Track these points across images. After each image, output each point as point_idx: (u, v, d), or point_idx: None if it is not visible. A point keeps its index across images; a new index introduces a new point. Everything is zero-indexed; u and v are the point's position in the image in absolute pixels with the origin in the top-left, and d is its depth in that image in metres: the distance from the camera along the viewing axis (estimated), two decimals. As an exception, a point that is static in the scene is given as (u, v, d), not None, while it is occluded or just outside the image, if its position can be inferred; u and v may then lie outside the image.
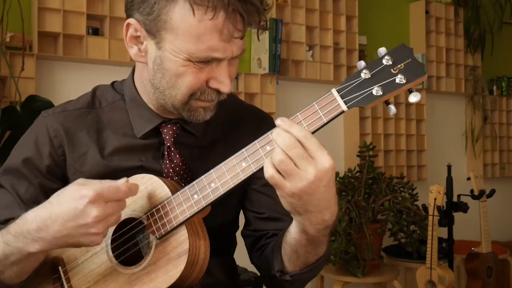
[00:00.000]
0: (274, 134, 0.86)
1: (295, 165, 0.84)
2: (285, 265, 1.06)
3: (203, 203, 0.95)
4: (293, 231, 0.98)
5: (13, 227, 0.97)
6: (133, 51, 1.04)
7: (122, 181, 0.93)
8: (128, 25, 1.02)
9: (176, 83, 1.01)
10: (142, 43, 1.02)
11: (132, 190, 0.94)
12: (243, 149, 0.92)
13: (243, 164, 0.91)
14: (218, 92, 1.03)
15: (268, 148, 0.90)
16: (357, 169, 3.10)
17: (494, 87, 4.54)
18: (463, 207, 2.82)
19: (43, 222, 0.92)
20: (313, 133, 0.90)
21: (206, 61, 0.98)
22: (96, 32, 2.65)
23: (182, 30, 0.94)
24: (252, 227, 1.21)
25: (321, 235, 0.96)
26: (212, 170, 0.94)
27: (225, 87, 1.01)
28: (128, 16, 1.03)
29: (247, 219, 1.24)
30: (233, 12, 0.93)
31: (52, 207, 0.93)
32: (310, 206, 0.88)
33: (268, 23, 1.01)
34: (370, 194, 3.04)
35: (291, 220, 1.00)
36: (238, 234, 1.29)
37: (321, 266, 1.07)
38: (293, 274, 1.05)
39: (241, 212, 1.26)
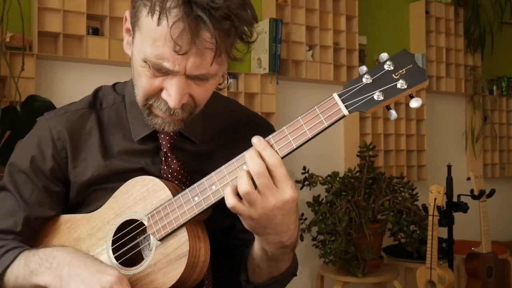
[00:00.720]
0: (247, 156, 0.90)
1: (259, 192, 0.89)
2: (250, 276, 1.10)
3: (204, 205, 0.95)
4: (255, 247, 1.04)
5: (45, 251, 1.00)
6: (124, 41, 1.07)
7: None
8: (125, 17, 1.05)
9: (136, 81, 1.02)
10: (130, 36, 1.04)
11: None
12: (244, 152, 0.92)
13: (245, 167, 0.91)
14: (168, 106, 0.99)
15: None
16: (357, 169, 3.10)
17: (494, 87, 4.54)
18: (463, 207, 2.82)
19: (69, 260, 0.96)
20: (314, 137, 0.90)
21: (158, 69, 0.95)
22: (96, 32, 2.65)
23: (144, 30, 0.95)
24: (234, 234, 1.20)
25: (280, 253, 1.00)
26: (213, 173, 0.95)
27: (172, 101, 0.97)
28: None
29: (233, 225, 1.21)
30: (187, 27, 0.89)
31: (85, 260, 0.96)
32: (268, 229, 0.93)
33: (231, 50, 0.96)
34: (370, 194, 3.04)
35: None
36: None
37: (286, 280, 1.11)
38: (257, 285, 1.10)
39: None
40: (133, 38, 1.00)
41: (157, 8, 0.90)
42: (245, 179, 0.89)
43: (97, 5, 2.67)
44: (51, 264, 0.96)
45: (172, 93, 0.96)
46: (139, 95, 1.02)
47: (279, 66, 3.17)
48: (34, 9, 2.49)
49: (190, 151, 1.14)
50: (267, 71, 3.14)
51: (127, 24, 1.04)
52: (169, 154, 1.10)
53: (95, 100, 1.17)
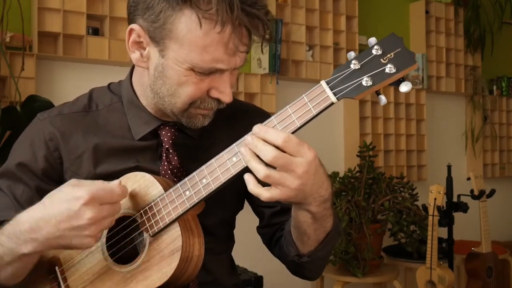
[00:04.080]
0: (258, 148, 0.88)
1: (284, 171, 0.88)
2: (299, 248, 1.08)
3: (195, 199, 0.95)
4: (295, 215, 1.02)
5: (7, 228, 0.97)
6: (135, 56, 1.04)
7: (115, 183, 0.93)
8: (131, 30, 1.02)
9: (176, 91, 1.01)
10: (144, 49, 1.02)
11: (125, 192, 0.95)
12: (234, 144, 0.93)
13: (234, 159, 0.92)
14: (218, 101, 1.04)
15: None
16: (357, 169, 3.10)
17: (494, 87, 4.53)
18: (463, 207, 2.81)
19: (35, 223, 0.93)
20: (303, 125, 0.91)
21: (210, 72, 0.98)
22: (96, 32, 2.66)
23: (188, 40, 0.95)
24: (266, 222, 1.23)
25: (322, 209, 0.98)
26: (203, 166, 0.95)
27: (226, 97, 1.02)
28: (131, 20, 1.02)
29: (261, 215, 1.25)
30: (239, 26, 0.94)
31: (45, 208, 0.93)
32: (306, 195, 0.93)
33: (272, 35, 1.02)
34: (370, 194, 3.04)
35: None
36: (236, 233, 1.29)
37: (334, 239, 1.10)
38: (309, 254, 1.07)
39: (249, 213, 1.27)
40: (161, 51, 0.99)
41: (218, 19, 0.91)
42: (258, 165, 0.89)
43: (97, 5, 2.68)
44: (25, 239, 0.94)
45: (225, 90, 1.01)
46: (181, 102, 1.02)
47: (279, 66, 3.17)
48: (34, 9, 2.50)
49: (189, 146, 1.14)
50: (267, 71, 3.15)
51: (139, 38, 1.02)
52: (170, 151, 1.11)
53: (90, 102, 1.17)
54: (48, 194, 0.95)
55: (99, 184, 0.92)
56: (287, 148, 0.87)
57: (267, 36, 0.98)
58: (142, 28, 1.00)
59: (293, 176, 0.88)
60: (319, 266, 1.16)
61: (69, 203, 0.90)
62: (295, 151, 0.88)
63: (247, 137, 0.90)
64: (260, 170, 0.88)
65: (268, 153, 0.87)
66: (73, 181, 0.94)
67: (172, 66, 0.99)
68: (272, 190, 0.89)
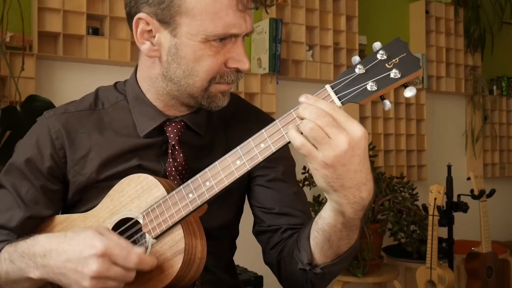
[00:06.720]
0: (300, 109, 0.84)
1: (326, 133, 0.81)
2: (315, 257, 1.00)
3: (198, 202, 0.95)
4: (327, 216, 0.93)
5: (22, 245, 0.98)
6: (145, 46, 1.04)
7: (138, 250, 0.90)
8: (138, 20, 1.02)
9: (193, 70, 1.02)
10: (154, 36, 1.02)
11: (144, 263, 0.91)
12: (238, 147, 0.92)
13: (238, 162, 0.91)
14: (237, 72, 1.04)
15: (262, 146, 0.90)
16: (357, 169, 3.09)
17: (494, 87, 4.53)
18: (463, 207, 2.81)
19: (49, 251, 0.93)
20: None
21: (224, 38, 0.99)
22: (96, 32, 2.66)
23: (199, 10, 0.96)
24: (265, 223, 1.17)
25: (357, 217, 0.90)
26: (207, 169, 0.95)
27: (244, 64, 1.03)
28: (135, 13, 1.02)
29: (257, 217, 1.20)
30: None
31: (63, 241, 0.93)
32: (346, 180, 0.84)
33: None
34: (370, 194, 3.04)
35: (303, 216, 1.01)
36: (238, 240, 1.28)
37: (350, 256, 1.01)
38: (324, 266, 0.99)
39: (250, 213, 1.25)
40: (172, 31, 1.00)
41: None
42: (307, 120, 0.82)
43: (97, 5, 2.67)
44: (35, 263, 0.95)
45: (241, 56, 1.02)
46: (200, 80, 1.03)
47: (279, 66, 3.17)
48: (34, 9, 2.50)
49: (194, 144, 1.14)
50: (267, 71, 3.14)
51: (147, 26, 1.01)
52: (176, 147, 1.10)
53: (96, 100, 1.17)
54: (76, 229, 0.96)
55: (121, 242, 0.90)
56: (336, 116, 0.82)
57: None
58: (149, 14, 1.00)
59: (334, 144, 0.80)
60: (325, 284, 1.07)
61: (84, 247, 0.89)
62: (343, 122, 0.82)
63: (301, 98, 0.86)
64: (307, 122, 0.81)
65: (314, 109, 0.82)
66: (102, 228, 0.94)
67: (186, 42, 0.99)
68: (310, 144, 0.82)
